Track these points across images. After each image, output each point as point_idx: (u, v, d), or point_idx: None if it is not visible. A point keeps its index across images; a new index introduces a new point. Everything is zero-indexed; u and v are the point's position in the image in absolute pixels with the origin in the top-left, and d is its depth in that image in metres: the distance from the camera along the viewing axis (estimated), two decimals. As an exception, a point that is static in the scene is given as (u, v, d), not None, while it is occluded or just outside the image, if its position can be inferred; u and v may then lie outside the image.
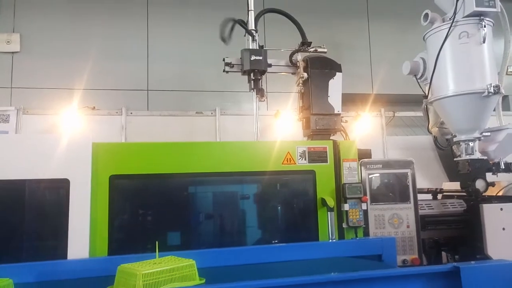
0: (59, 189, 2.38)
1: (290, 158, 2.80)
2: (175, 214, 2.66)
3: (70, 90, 4.98)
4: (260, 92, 3.40)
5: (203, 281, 1.73)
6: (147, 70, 5.35)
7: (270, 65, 3.53)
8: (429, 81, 3.40)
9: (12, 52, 5.06)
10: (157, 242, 1.84)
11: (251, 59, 3.32)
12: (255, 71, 3.35)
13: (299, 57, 3.52)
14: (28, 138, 2.53)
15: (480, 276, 1.63)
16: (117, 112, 5.01)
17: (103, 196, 2.47)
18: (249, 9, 3.61)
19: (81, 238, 2.34)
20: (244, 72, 3.42)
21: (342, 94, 3.45)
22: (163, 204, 2.65)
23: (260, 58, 3.34)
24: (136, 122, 5.01)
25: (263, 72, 3.40)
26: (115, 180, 2.51)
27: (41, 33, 5.16)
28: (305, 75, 3.38)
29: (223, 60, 3.46)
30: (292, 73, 3.61)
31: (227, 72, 3.52)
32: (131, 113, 5.03)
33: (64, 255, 2.27)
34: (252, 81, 3.40)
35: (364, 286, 1.60)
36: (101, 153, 2.53)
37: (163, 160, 2.62)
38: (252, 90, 3.42)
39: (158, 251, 1.83)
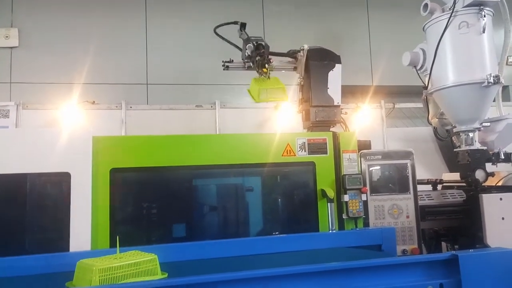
0: (60, 183, 2.39)
1: (290, 150, 2.80)
2: (176, 207, 2.68)
3: (69, 85, 4.97)
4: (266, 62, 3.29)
5: (165, 275, 1.69)
6: (146, 64, 5.34)
7: (270, 59, 3.50)
8: (429, 72, 3.40)
9: (11, 47, 5.04)
10: (118, 237, 1.80)
11: (251, 37, 3.32)
12: (259, 44, 3.27)
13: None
14: (29, 133, 2.54)
15: (478, 264, 1.65)
16: (116, 106, 5.00)
17: (104, 189, 2.49)
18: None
19: (83, 231, 2.36)
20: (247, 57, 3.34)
21: (342, 86, 3.45)
22: (163, 196, 2.66)
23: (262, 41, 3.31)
24: (136, 116, 5.01)
25: (267, 47, 3.30)
26: (115, 173, 2.52)
27: (39, 27, 5.14)
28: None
29: (222, 63, 3.44)
30: (294, 69, 3.58)
31: (227, 68, 3.50)
32: (131, 107, 5.03)
33: (67, 248, 2.29)
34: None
35: (363, 274, 1.62)
36: (101, 147, 2.54)
37: (163, 153, 2.63)
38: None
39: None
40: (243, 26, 3.38)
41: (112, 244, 2.42)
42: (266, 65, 3.29)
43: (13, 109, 4.72)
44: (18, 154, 2.37)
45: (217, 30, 3.53)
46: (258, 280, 1.56)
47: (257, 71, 3.33)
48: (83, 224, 2.37)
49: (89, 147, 2.49)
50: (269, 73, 3.33)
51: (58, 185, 2.43)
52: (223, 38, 3.52)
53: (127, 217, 2.61)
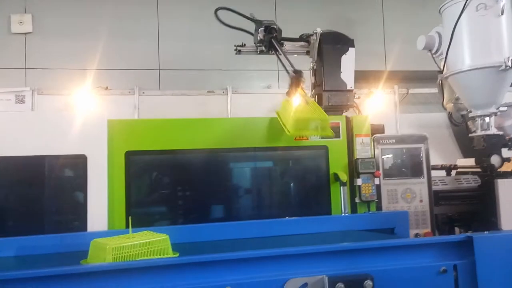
0: (77, 165, 2.45)
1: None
2: (188, 189, 2.71)
3: (83, 70, 5.02)
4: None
5: (177, 255, 1.71)
6: (158, 49, 5.35)
7: (282, 43, 3.48)
8: (444, 56, 3.33)
9: (25, 33, 5.09)
10: (130, 218, 1.84)
11: (264, 21, 3.24)
12: (271, 27, 3.19)
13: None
14: (46, 116, 2.60)
15: (493, 245, 1.64)
16: (129, 92, 5.05)
17: (120, 171, 2.53)
18: None
19: (100, 212, 2.41)
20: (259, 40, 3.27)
21: (355, 71, 3.41)
22: (177, 179, 2.71)
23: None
24: (149, 102, 5.05)
25: (279, 31, 3.22)
26: (130, 156, 2.56)
27: (53, 13, 5.17)
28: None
29: (235, 47, 3.42)
30: (306, 53, 3.55)
31: (240, 52, 3.48)
32: (143, 92, 5.07)
33: (84, 228, 2.35)
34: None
35: (377, 255, 1.62)
36: (116, 130, 2.58)
37: (177, 136, 2.66)
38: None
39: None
40: (259, 23, 3.29)
41: (128, 225, 2.47)
42: (302, 84, 2.75)
43: (28, 95, 4.79)
44: (36, 137, 2.42)
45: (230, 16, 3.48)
46: (270, 259, 1.57)
47: (290, 91, 2.76)
48: (100, 206, 2.42)
49: (104, 130, 2.53)
50: (307, 97, 2.78)
51: (75, 167, 2.48)
52: (222, 23, 3.44)
53: (142, 198, 2.66)
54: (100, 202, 2.43)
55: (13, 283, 1.32)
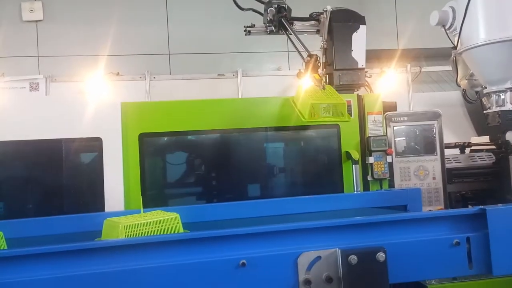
0: (93, 147, 2.50)
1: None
2: (202, 169, 2.76)
3: (94, 57, 5.05)
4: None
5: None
6: (167, 34, 5.35)
7: (292, 23, 3.44)
8: (458, 31, 3.26)
9: (36, 21, 5.13)
10: (141, 197, 1.89)
11: (273, 1, 3.22)
12: (280, 7, 3.18)
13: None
14: (62, 101, 2.65)
15: (506, 218, 1.63)
16: (140, 77, 5.08)
17: (134, 153, 2.58)
18: None
19: (117, 193, 2.47)
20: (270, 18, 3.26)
21: (366, 51, 3.36)
22: (191, 159, 2.74)
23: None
24: (160, 87, 5.08)
25: (289, 10, 3.22)
26: (144, 138, 2.60)
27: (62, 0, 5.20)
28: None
29: (244, 28, 3.40)
30: (317, 32, 3.51)
31: (249, 33, 3.47)
32: (154, 77, 5.09)
33: (102, 208, 2.42)
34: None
35: (389, 228, 1.63)
36: (130, 113, 2.62)
37: (190, 117, 2.69)
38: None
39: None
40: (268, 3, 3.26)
41: (143, 205, 2.52)
42: (320, 70, 2.80)
43: (42, 82, 4.86)
44: (53, 121, 2.48)
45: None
46: (284, 233, 1.58)
47: (305, 75, 2.81)
48: (117, 186, 2.48)
49: (118, 113, 2.57)
50: (323, 82, 2.74)
51: (91, 149, 2.54)
52: (239, 7, 3.43)
53: (157, 179, 2.71)
54: (117, 183, 2.49)
55: (32, 258, 1.37)
